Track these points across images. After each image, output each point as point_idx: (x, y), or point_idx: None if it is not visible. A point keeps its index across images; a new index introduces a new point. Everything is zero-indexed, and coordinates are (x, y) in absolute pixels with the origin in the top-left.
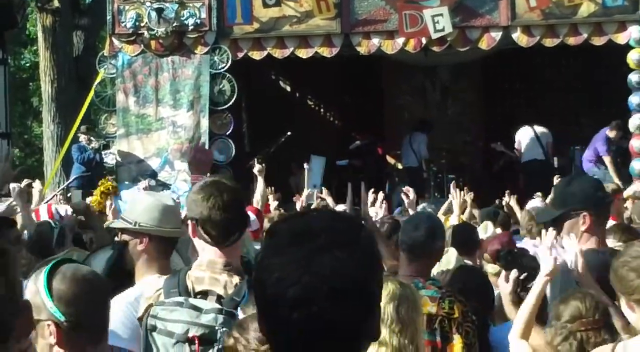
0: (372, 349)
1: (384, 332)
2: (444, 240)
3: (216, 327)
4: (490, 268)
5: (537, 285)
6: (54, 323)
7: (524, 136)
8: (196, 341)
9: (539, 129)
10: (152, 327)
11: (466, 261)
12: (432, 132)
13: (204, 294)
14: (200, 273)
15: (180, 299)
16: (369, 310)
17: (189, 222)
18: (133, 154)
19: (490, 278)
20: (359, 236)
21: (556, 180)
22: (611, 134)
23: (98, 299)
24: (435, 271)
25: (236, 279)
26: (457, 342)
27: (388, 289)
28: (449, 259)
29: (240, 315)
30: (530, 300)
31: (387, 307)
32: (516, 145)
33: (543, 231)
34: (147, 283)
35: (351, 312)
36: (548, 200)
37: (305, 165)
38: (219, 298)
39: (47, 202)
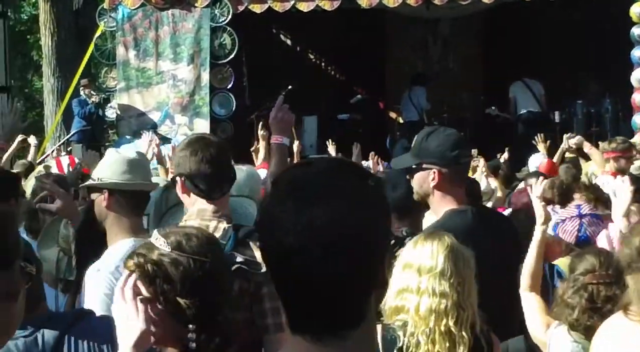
0: (430, 300)
1: (445, 285)
2: None
3: None
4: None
5: (536, 235)
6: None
7: (517, 91)
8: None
9: (530, 81)
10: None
11: None
12: (429, 84)
13: None
14: (190, 222)
15: None
16: (369, 261)
17: (178, 178)
18: (134, 108)
19: None
20: (361, 185)
21: (566, 137)
22: None
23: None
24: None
25: (224, 225)
26: None
27: (443, 242)
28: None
29: (238, 257)
30: (532, 251)
31: (446, 261)
32: (511, 101)
33: (533, 180)
34: (122, 250)
35: (348, 263)
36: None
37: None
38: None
39: (47, 156)
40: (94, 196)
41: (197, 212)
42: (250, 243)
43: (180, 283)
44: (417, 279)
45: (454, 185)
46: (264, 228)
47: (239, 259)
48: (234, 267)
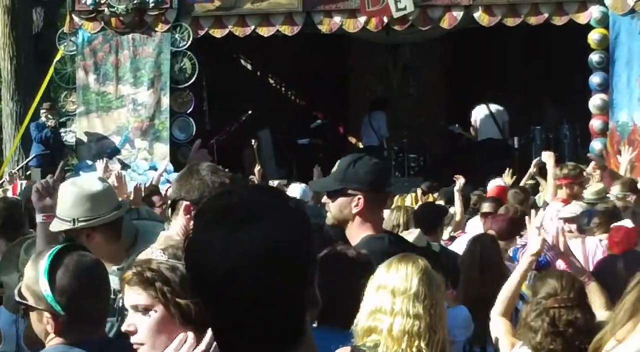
0: (404, 321)
1: (419, 307)
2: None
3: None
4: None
5: (522, 264)
6: (51, 314)
7: (479, 114)
8: None
9: (495, 107)
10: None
11: (431, 241)
12: (388, 109)
13: None
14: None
15: None
16: (299, 279)
17: (182, 202)
18: (97, 133)
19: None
20: (282, 206)
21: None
22: None
23: (99, 291)
24: None
25: None
26: None
27: (420, 266)
28: (409, 237)
29: None
30: (514, 279)
31: (420, 284)
32: (472, 124)
33: (533, 212)
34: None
35: (278, 284)
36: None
37: (253, 142)
38: None
39: (3, 181)
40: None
41: (165, 238)
42: None
43: (180, 285)
44: (391, 300)
45: (374, 212)
46: (194, 258)
47: None
48: None
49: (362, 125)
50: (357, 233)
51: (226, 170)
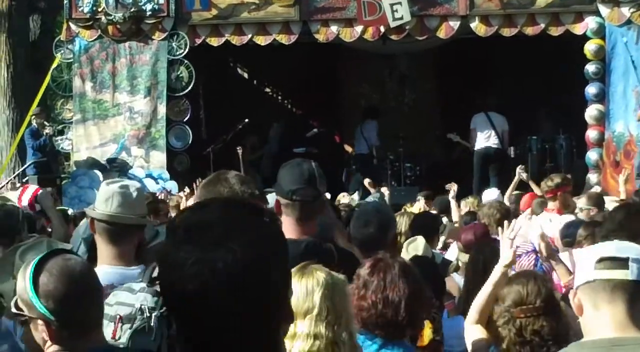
0: (305, 343)
1: (320, 326)
2: (395, 229)
3: (136, 305)
4: (462, 257)
5: (495, 274)
6: (44, 321)
7: (478, 123)
8: (118, 319)
9: (494, 115)
10: None
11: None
12: (381, 119)
13: (155, 280)
14: None
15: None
16: (271, 297)
17: None
18: (90, 140)
19: (463, 267)
20: (258, 224)
21: (519, 170)
22: None
23: (87, 295)
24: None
25: None
26: (427, 328)
27: (317, 278)
28: (417, 246)
29: None
30: (487, 288)
31: (320, 299)
32: (471, 133)
33: (505, 222)
34: None
35: (251, 302)
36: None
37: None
38: None
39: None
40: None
41: None
42: None
43: None
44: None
45: (287, 218)
46: (165, 275)
47: None
48: (164, 308)
49: (355, 134)
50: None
51: None
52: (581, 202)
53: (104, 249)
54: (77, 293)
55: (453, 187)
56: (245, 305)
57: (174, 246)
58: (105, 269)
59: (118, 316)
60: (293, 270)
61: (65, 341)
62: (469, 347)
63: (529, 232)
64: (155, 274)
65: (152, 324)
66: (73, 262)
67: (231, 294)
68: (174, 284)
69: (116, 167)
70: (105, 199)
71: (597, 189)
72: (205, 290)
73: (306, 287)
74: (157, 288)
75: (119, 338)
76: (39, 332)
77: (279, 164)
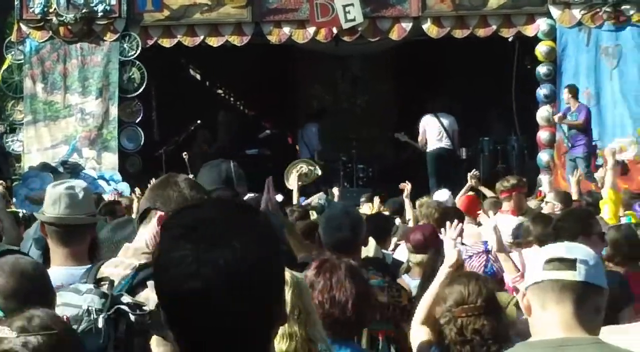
0: (281, 344)
1: (294, 326)
2: (365, 230)
3: (83, 307)
4: (413, 258)
5: (440, 275)
6: None
7: (428, 125)
8: (65, 320)
9: (444, 117)
10: None
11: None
12: (324, 121)
13: (101, 280)
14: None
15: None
16: (271, 296)
17: (157, 212)
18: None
19: (414, 268)
20: (254, 223)
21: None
22: None
23: (37, 292)
24: None
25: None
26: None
27: (287, 280)
28: (369, 249)
29: (126, 297)
30: (433, 289)
31: (291, 298)
32: (420, 135)
33: (447, 223)
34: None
35: (253, 301)
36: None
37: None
38: (112, 283)
39: None
40: None
41: (134, 250)
42: (148, 283)
43: None
44: None
45: None
46: (162, 273)
47: (125, 300)
48: (112, 309)
49: (298, 139)
50: None
51: None
52: (550, 196)
53: (55, 251)
54: (27, 290)
55: (407, 187)
56: (248, 304)
57: (169, 244)
58: (56, 270)
59: (65, 317)
60: None
61: None
62: (414, 348)
63: (482, 230)
64: (99, 274)
65: (99, 325)
66: (24, 261)
67: (233, 293)
68: (173, 283)
69: (68, 169)
70: (52, 202)
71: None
72: (206, 289)
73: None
74: (104, 290)
75: None
76: None
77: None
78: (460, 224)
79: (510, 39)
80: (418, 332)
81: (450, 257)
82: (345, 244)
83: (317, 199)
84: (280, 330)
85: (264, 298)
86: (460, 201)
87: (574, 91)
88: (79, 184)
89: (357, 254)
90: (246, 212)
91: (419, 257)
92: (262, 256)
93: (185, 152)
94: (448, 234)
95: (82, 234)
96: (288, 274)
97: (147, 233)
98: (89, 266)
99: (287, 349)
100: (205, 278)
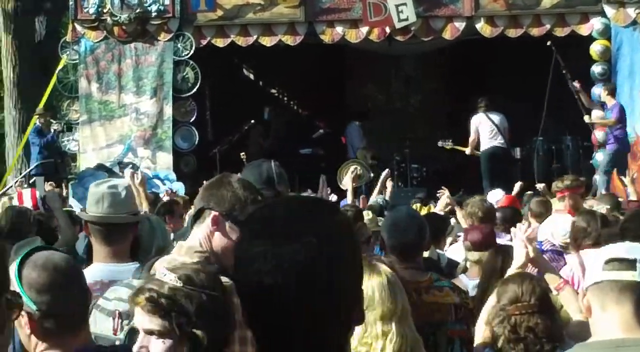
0: (380, 343)
1: (392, 326)
2: (428, 233)
3: None
4: (470, 256)
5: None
6: (27, 313)
7: (481, 124)
8: (117, 314)
9: (495, 115)
10: (96, 305)
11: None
12: (366, 121)
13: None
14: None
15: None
16: (348, 295)
17: (211, 212)
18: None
19: (472, 267)
20: (331, 221)
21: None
22: None
23: (71, 287)
24: None
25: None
26: None
27: (386, 276)
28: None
29: None
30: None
31: (396, 298)
32: (472, 134)
33: (519, 224)
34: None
35: (325, 299)
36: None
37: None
38: None
39: (8, 188)
40: None
41: (187, 248)
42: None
43: (196, 316)
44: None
45: None
46: (240, 269)
47: None
48: None
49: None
50: None
51: None
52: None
53: (98, 249)
54: (59, 284)
55: (445, 193)
56: (318, 301)
57: (246, 240)
58: (96, 266)
59: (117, 312)
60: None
61: (50, 337)
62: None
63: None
64: (152, 270)
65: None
66: (58, 256)
67: (304, 289)
68: (250, 278)
69: (123, 169)
70: (95, 201)
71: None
72: (279, 284)
73: (382, 286)
74: None
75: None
76: (23, 327)
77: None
78: (536, 226)
79: (548, 44)
80: (482, 331)
81: (519, 257)
82: (411, 248)
83: (375, 199)
84: (384, 328)
85: (341, 296)
86: (501, 201)
87: (610, 89)
88: (121, 183)
89: (420, 258)
90: (323, 209)
91: (476, 255)
92: (339, 253)
93: (243, 152)
94: (518, 235)
95: (124, 233)
96: (388, 272)
97: (201, 232)
98: (131, 263)
99: (398, 349)
100: (278, 274)
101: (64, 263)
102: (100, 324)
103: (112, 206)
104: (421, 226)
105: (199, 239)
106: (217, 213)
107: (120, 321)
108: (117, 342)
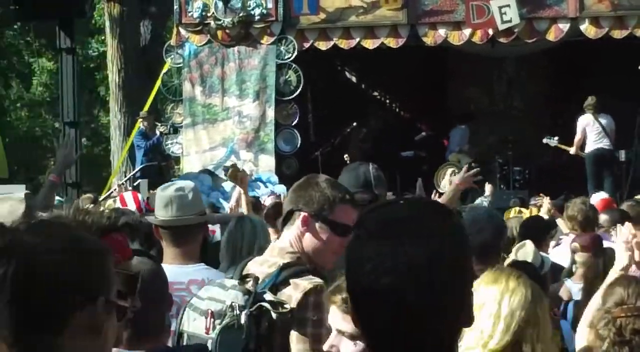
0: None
1: (547, 342)
2: (506, 234)
3: (227, 302)
4: (579, 257)
5: (609, 278)
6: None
7: (588, 125)
8: (209, 314)
9: (602, 117)
10: (189, 304)
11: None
12: (472, 124)
13: (246, 276)
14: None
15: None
16: (460, 297)
17: (300, 213)
18: (200, 143)
19: (579, 269)
20: (449, 224)
21: None
22: None
23: (154, 293)
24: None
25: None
26: (555, 337)
27: (526, 285)
28: (527, 252)
29: (268, 295)
30: (600, 293)
31: (536, 309)
32: (578, 135)
33: (619, 226)
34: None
35: (442, 300)
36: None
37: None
38: (257, 280)
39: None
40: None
41: (279, 249)
42: (291, 281)
43: None
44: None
45: None
46: (356, 269)
47: (267, 297)
48: (255, 306)
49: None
50: None
51: None
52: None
53: (167, 251)
54: (144, 291)
55: (545, 200)
56: (435, 302)
57: (363, 241)
58: (164, 267)
59: (209, 311)
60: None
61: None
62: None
63: None
64: (245, 271)
65: (242, 321)
66: (143, 263)
67: (423, 291)
68: (365, 279)
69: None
70: (164, 205)
71: None
72: (399, 286)
73: (525, 296)
74: (249, 286)
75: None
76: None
77: (380, 167)
78: (631, 226)
79: None
80: (584, 334)
81: (621, 260)
82: (485, 249)
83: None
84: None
85: (451, 298)
86: (597, 204)
87: None
88: (187, 185)
89: (497, 262)
90: (440, 212)
91: (585, 256)
92: (456, 256)
93: (346, 154)
94: (620, 238)
95: (193, 234)
96: (529, 282)
97: (291, 234)
98: (195, 264)
99: None
100: (400, 274)
101: (148, 269)
102: (192, 323)
103: (181, 208)
104: (498, 227)
105: (290, 239)
106: (306, 214)
107: (212, 320)
108: (209, 342)
